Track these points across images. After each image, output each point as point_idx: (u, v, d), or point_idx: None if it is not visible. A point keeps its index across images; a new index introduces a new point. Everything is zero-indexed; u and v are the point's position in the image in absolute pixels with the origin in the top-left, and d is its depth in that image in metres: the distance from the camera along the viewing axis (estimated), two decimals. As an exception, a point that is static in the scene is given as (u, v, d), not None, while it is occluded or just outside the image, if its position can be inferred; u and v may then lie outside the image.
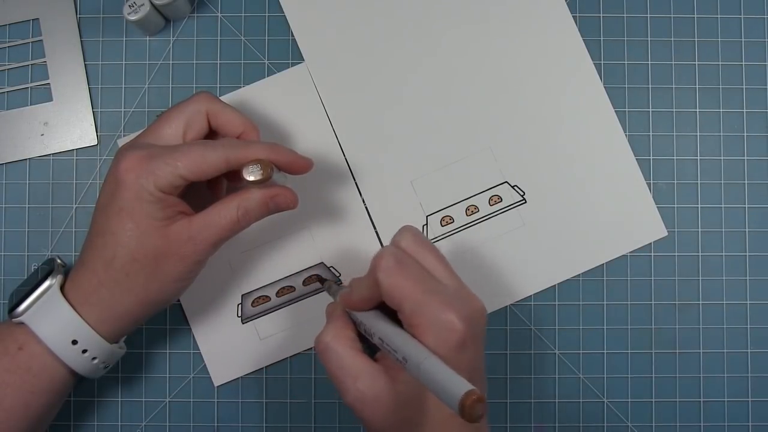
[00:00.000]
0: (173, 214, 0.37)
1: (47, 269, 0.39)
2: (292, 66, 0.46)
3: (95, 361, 0.38)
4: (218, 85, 0.46)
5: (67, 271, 0.39)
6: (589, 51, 0.47)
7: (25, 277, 0.43)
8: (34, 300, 0.38)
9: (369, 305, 0.37)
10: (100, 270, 0.37)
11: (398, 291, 0.34)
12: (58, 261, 0.40)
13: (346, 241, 0.46)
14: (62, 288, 0.38)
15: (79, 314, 0.37)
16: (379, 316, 0.36)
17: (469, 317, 0.34)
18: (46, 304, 0.37)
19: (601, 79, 0.47)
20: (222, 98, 0.46)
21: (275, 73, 0.46)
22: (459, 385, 0.30)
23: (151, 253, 0.36)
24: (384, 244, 0.46)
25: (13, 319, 0.38)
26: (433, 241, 0.46)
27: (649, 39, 0.47)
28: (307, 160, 0.39)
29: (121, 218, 0.36)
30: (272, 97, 0.46)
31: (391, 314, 0.36)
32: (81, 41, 0.47)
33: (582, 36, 0.47)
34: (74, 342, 0.37)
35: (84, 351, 0.37)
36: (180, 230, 0.37)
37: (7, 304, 0.39)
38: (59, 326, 0.37)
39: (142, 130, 0.39)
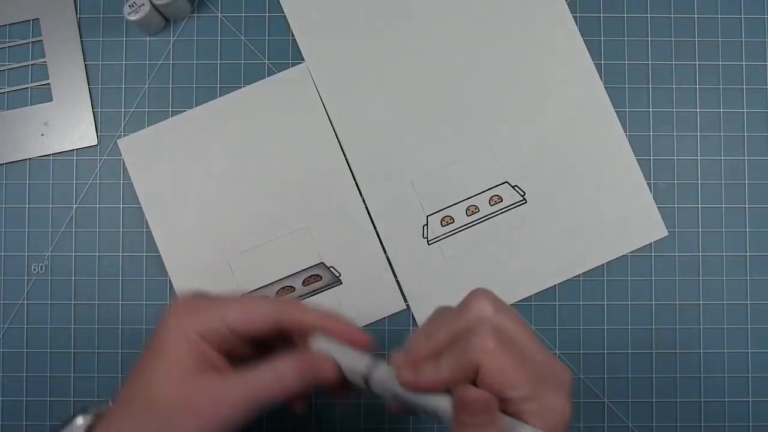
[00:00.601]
0: (205, 367, 0.33)
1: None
2: (292, 66, 0.46)
3: None
4: (218, 85, 0.46)
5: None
6: (589, 51, 0.47)
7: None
8: None
9: (443, 387, 0.32)
10: (122, 408, 0.34)
11: (506, 377, 0.30)
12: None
13: (346, 241, 0.46)
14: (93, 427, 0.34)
15: None
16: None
17: (569, 393, 0.32)
18: None
19: (601, 79, 0.47)
20: (222, 99, 0.46)
21: (275, 73, 0.46)
22: None
23: (166, 403, 0.33)
24: (384, 245, 0.46)
25: None
26: (433, 241, 0.46)
27: (649, 39, 0.47)
28: (366, 336, 0.35)
29: (149, 359, 0.34)
30: (273, 97, 0.46)
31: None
32: (81, 41, 0.47)
33: (582, 36, 0.47)
34: None
35: None
36: (205, 385, 0.33)
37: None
38: None
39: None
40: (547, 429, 0.30)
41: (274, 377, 0.33)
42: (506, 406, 0.31)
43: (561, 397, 0.31)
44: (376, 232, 0.46)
